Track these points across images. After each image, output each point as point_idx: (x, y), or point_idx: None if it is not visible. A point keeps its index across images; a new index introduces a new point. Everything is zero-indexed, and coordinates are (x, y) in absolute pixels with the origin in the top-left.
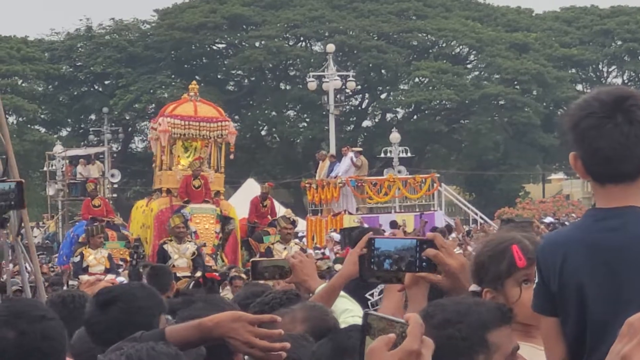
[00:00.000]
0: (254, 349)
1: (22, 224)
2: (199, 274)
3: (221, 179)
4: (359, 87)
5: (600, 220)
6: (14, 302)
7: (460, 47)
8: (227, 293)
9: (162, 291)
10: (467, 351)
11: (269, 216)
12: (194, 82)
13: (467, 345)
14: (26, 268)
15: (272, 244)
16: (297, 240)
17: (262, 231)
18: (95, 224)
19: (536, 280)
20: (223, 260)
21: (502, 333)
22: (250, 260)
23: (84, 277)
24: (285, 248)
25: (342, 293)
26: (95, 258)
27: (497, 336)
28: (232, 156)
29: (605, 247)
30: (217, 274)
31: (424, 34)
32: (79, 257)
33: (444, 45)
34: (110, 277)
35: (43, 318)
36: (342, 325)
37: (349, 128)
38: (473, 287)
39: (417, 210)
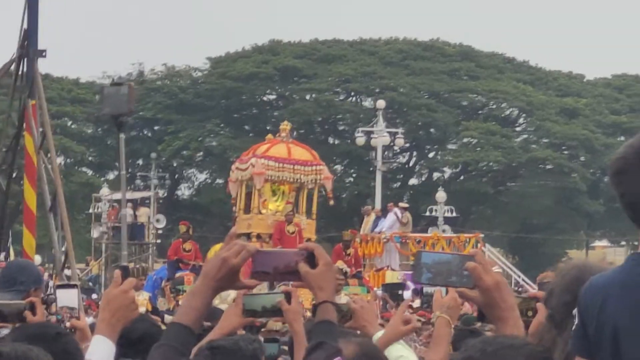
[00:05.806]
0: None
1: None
2: None
3: (312, 225)
4: (407, 144)
5: (639, 265)
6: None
7: (511, 109)
8: None
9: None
10: None
11: (352, 267)
12: (286, 122)
13: None
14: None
15: None
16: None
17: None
18: (179, 265)
19: (576, 322)
20: None
21: None
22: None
23: None
24: None
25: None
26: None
27: None
28: (332, 202)
29: None
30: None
31: (475, 95)
32: None
33: (494, 106)
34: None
35: (59, 335)
36: None
37: (395, 185)
38: None
39: None
